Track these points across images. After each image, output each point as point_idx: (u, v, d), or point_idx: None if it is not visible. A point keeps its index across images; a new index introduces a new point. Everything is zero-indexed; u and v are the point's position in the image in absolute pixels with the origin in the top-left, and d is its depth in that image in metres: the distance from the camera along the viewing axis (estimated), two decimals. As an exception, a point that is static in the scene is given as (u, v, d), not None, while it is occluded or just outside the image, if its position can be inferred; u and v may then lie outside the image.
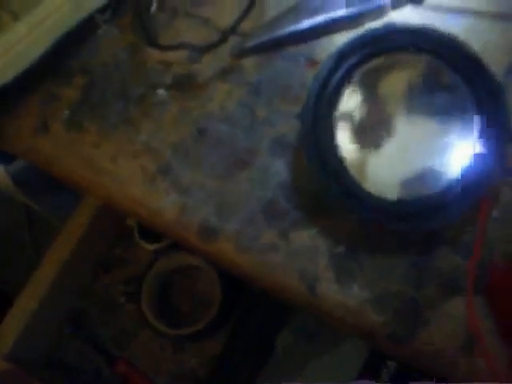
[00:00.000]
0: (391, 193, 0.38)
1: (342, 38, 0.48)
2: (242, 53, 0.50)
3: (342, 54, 0.40)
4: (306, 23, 0.49)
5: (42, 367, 0.83)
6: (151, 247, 0.85)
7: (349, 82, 0.40)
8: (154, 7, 0.54)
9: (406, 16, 0.49)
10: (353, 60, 0.40)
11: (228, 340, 0.79)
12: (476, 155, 0.39)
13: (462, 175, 0.39)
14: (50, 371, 0.84)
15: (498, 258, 0.39)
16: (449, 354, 0.39)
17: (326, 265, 0.44)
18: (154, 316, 0.80)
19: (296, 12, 0.50)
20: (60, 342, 0.86)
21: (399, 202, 0.38)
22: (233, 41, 0.51)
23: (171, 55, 0.52)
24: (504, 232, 0.41)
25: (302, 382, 0.76)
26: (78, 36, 0.53)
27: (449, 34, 0.41)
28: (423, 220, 0.38)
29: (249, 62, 0.51)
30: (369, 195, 0.38)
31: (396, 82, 0.40)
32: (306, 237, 0.44)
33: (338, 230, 0.44)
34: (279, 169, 0.46)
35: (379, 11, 0.49)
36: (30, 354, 0.81)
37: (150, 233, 0.83)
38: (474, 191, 0.39)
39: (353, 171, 0.39)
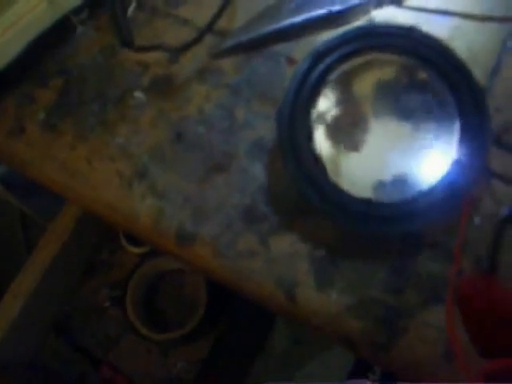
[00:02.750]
0: (367, 194, 0.37)
1: (322, 38, 0.48)
2: (220, 53, 0.50)
3: (319, 54, 0.39)
4: (286, 22, 0.49)
5: (26, 372, 0.82)
6: (137, 251, 0.84)
7: (326, 82, 0.39)
8: (132, 7, 0.53)
9: (388, 16, 0.48)
10: (330, 60, 0.39)
11: (214, 344, 0.78)
12: (456, 160, 0.38)
13: (442, 180, 0.38)
14: (34, 376, 0.83)
15: (470, 267, 0.38)
16: (428, 363, 0.39)
17: (306, 270, 0.43)
18: (139, 320, 0.79)
19: (276, 11, 0.49)
20: (44, 347, 0.85)
21: (374, 205, 0.37)
22: (212, 41, 0.50)
23: (149, 56, 0.51)
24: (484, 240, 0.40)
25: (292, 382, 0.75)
26: (55, 37, 0.52)
27: (430, 35, 0.40)
28: (399, 224, 0.38)
29: (228, 63, 0.50)
30: (344, 197, 0.37)
31: (372, 83, 0.39)
32: (285, 242, 0.44)
33: (318, 234, 0.43)
34: (258, 173, 0.46)
35: (361, 10, 0.48)
36: (13, 358, 0.80)
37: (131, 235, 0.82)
38: (452, 197, 0.38)
39: (329, 173, 0.38)
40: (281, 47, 0.49)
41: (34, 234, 1.05)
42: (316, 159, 0.38)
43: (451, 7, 0.48)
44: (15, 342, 0.80)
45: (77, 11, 0.52)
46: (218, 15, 0.47)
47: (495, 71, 0.45)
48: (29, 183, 0.91)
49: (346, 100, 0.39)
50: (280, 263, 0.43)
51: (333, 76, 0.39)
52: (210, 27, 0.48)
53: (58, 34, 0.52)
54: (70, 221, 0.81)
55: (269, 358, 0.80)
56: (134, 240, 0.83)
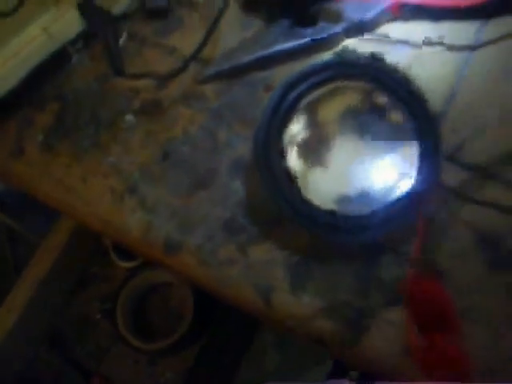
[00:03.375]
0: (333, 207, 0.42)
1: (296, 66, 0.53)
2: (204, 80, 0.54)
3: (291, 84, 0.44)
4: (263, 52, 0.53)
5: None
6: (127, 265, 0.87)
7: (296, 108, 0.43)
8: (123, 38, 0.58)
9: (357, 45, 0.53)
10: (300, 88, 0.43)
11: (199, 353, 0.82)
12: (414, 176, 0.43)
13: (400, 194, 0.43)
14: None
15: (414, 270, 0.43)
16: (389, 358, 0.43)
17: (281, 276, 0.47)
18: (129, 331, 0.83)
19: (254, 42, 0.54)
20: (37, 358, 0.88)
21: (339, 216, 0.42)
22: (196, 69, 0.55)
23: (139, 83, 0.55)
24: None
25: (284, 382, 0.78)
26: (52, 65, 0.56)
27: (390, 64, 0.45)
28: (362, 233, 0.42)
29: (210, 89, 0.54)
30: (313, 210, 0.42)
31: (338, 108, 0.44)
32: (262, 250, 0.48)
33: (291, 243, 0.47)
34: (237, 188, 0.50)
35: (331, 42, 0.53)
36: (5, 371, 0.83)
37: (125, 251, 0.86)
38: (410, 209, 0.42)
39: (300, 188, 0.42)
40: (259, 75, 0.54)
41: (21, 250, 1.08)
42: (288, 176, 0.43)
43: (412, 38, 0.53)
44: (9, 355, 0.83)
45: (73, 42, 0.57)
46: (202, 45, 0.52)
47: (451, 96, 0.50)
48: (18, 200, 0.95)
49: (314, 123, 0.44)
50: (257, 270, 0.47)
51: (303, 102, 0.43)
52: (194, 56, 0.52)
53: (55, 62, 0.57)
54: (63, 237, 0.84)
55: (252, 363, 0.83)
56: (124, 255, 0.87)
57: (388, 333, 0.43)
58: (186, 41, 0.57)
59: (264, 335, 0.83)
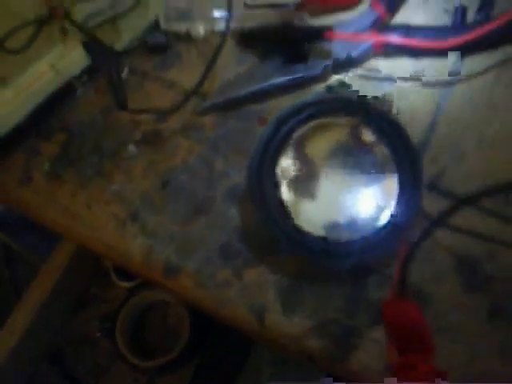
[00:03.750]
0: (323, 233, 0.45)
1: (289, 99, 0.57)
2: (202, 112, 0.58)
3: (282, 119, 0.47)
4: (257, 86, 0.57)
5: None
6: (126, 285, 0.90)
7: (287, 143, 0.47)
8: (125, 72, 0.62)
9: (344, 80, 0.57)
10: (290, 124, 0.47)
11: (196, 371, 0.84)
12: (397, 205, 0.46)
13: (385, 221, 0.46)
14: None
15: (392, 292, 0.46)
16: (374, 373, 0.46)
17: (273, 298, 0.50)
18: (127, 350, 0.85)
19: (249, 77, 0.57)
20: (37, 376, 0.90)
21: (329, 243, 0.45)
22: (195, 101, 0.58)
23: (141, 115, 0.59)
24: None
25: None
26: (58, 98, 0.60)
27: (374, 100, 0.49)
28: (350, 258, 0.45)
29: (208, 121, 0.58)
30: (304, 237, 0.45)
31: (325, 142, 0.47)
32: (256, 273, 0.51)
33: (283, 266, 0.51)
34: (233, 215, 0.53)
35: (320, 78, 0.57)
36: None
37: (125, 271, 0.89)
38: (394, 235, 0.46)
39: (292, 216, 0.46)
40: (253, 108, 0.57)
41: (20, 270, 1.10)
42: (281, 205, 0.46)
43: (394, 73, 0.57)
44: (9, 374, 0.84)
45: (78, 76, 0.60)
46: (202, 80, 0.55)
47: (431, 127, 0.54)
48: (18, 220, 0.97)
49: (304, 156, 0.47)
50: (251, 292, 0.50)
51: (293, 137, 0.47)
52: (195, 92, 0.56)
53: (62, 95, 0.60)
54: (64, 259, 0.87)
55: (248, 381, 0.85)
56: (123, 275, 0.90)
57: (374, 351, 0.47)
58: (184, 75, 0.61)
59: (259, 352, 0.85)
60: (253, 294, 0.51)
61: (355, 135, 0.48)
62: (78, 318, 0.93)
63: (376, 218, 0.46)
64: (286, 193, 0.47)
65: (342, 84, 0.54)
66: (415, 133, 0.51)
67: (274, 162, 0.47)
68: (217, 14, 0.60)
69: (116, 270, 0.91)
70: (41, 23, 0.55)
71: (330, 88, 0.53)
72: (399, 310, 0.39)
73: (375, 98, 0.50)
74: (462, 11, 0.57)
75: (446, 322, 0.46)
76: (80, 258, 0.87)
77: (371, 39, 0.55)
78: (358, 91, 0.49)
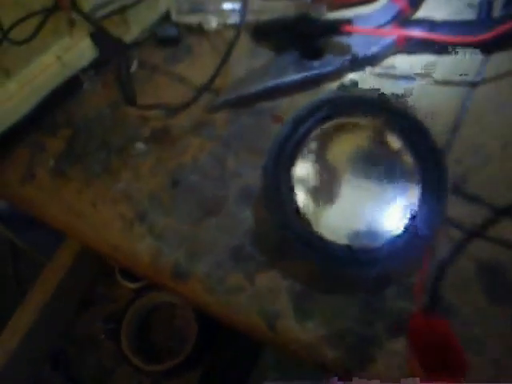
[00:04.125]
0: (343, 241, 0.43)
1: (304, 97, 0.54)
2: (213, 109, 0.55)
3: (298, 119, 0.45)
4: (271, 83, 0.54)
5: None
6: (132, 286, 0.88)
7: (304, 144, 0.44)
8: (134, 66, 0.60)
9: (361, 79, 0.54)
10: (308, 124, 0.44)
11: (202, 375, 0.82)
12: (419, 211, 0.44)
13: (407, 228, 0.43)
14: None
15: (417, 306, 0.43)
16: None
17: (286, 304, 0.48)
18: (132, 352, 0.83)
19: (262, 73, 0.55)
20: (40, 379, 0.88)
21: (350, 250, 0.42)
22: (206, 98, 0.56)
23: (150, 111, 0.57)
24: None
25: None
26: (64, 92, 0.58)
27: (397, 101, 0.46)
28: (370, 266, 0.43)
29: (220, 117, 0.56)
30: (324, 244, 0.42)
31: (344, 145, 0.45)
32: (268, 278, 0.49)
33: (297, 271, 0.48)
34: (245, 216, 0.51)
35: (336, 74, 0.54)
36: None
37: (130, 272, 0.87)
38: (416, 243, 0.43)
39: (311, 222, 0.43)
40: (267, 105, 0.55)
41: (23, 267, 1.09)
42: (297, 211, 0.43)
43: (416, 71, 0.54)
44: (12, 376, 0.83)
45: (85, 69, 0.58)
46: (214, 76, 0.53)
47: (455, 127, 0.51)
48: (22, 217, 0.96)
49: (324, 160, 0.45)
50: (263, 297, 0.48)
51: (311, 138, 0.44)
52: (206, 87, 0.53)
53: (68, 89, 0.58)
54: (68, 258, 0.85)
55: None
56: (129, 275, 0.88)
57: (392, 363, 0.44)
58: (195, 69, 0.59)
59: (265, 357, 0.83)
60: (264, 300, 0.48)
61: (378, 139, 0.45)
62: (81, 318, 0.91)
63: (398, 226, 0.44)
64: (303, 197, 0.44)
65: (355, 84, 0.51)
66: (437, 133, 0.48)
67: (291, 164, 0.44)
68: (230, 6, 0.57)
69: (122, 270, 0.89)
70: (47, 14, 0.53)
71: (343, 87, 0.50)
72: (428, 325, 0.36)
73: (397, 96, 0.48)
74: (487, 5, 0.54)
75: (471, 334, 0.44)
76: (85, 257, 0.85)
77: (392, 34, 0.52)
78: (378, 89, 0.47)
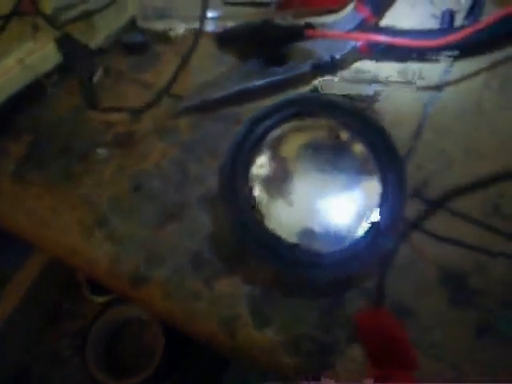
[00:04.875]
0: (296, 240, 0.42)
1: (268, 102, 0.54)
2: (176, 114, 0.55)
3: (256, 120, 0.44)
4: (236, 88, 0.54)
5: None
6: (99, 300, 0.86)
7: (261, 143, 0.44)
8: (100, 72, 0.59)
9: (325, 84, 0.54)
10: (265, 124, 0.44)
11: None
12: (378, 212, 0.43)
13: (365, 230, 0.43)
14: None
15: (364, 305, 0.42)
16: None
17: (245, 310, 0.46)
18: (99, 369, 0.81)
19: (226, 79, 0.55)
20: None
21: (302, 251, 0.42)
22: (169, 103, 0.55)
23: (113, 116, 0.56)
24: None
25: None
26: (27, 97, 0.57)
27: (350, 102, 0.46)
28: (325, 269, 0.42)
29: (182, 123, 0.55)
30: (275, 242, 0.42)
31: (301, 143, 0.44)
32: (227, 284, 0.48)
33: (255, 277, 0.47)
34: (205, 221, 0.50)
35: (300, 80, 0.54)
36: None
37: (99, 285, 0.85)
38: (374, 245, 0.42)
39: (264, 220, 0.43)
40: (231, 110, 0.55)
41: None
42: (252, 208, 0.43)
43: (380, 76, 0.54)
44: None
45: (48, 75, 0.57)
46: (172, 80, 0.52)
47: (417, 133, 0.51)
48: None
49: (278, 158, 0.44)
50: (222, 304, 0.47)
51: (267, 138, 0.44)
52: (166, 91, 0.53)
53: (31, 94, 0.57)
54: (33, 272, 0.83)
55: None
56: (98, 289, 0.86)
57: (352, 369, 0.43)
58: (162, 76, 0.58)
59: (238, 366, 0.81)
60: (223, 306, 0.47)
61: (333, 137, 0.45)
62: (47, 334, 0.88)
63: (355, 225, 0.43)
64: (258, 195, 0.44)
65: (315, 89, 0.51)
66: (400, 138, 0.48)
67: (248, 161, 0.44)
68: (197, 12, 0.57)
69: (90, 283, 0.87)
70: (10, 16, 0.53)
71: (308, 92, 0.50)
72: (375, 321, 0.35)
73: (354, 98, 0.48)
74: (449, 15, 0.55)
75: (431, 339, 0.43)
76: (51, 271, 0.83)
77: (355, 37, 0.52)
78: (335, 93, 0.47)
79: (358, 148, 0.44)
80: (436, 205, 0.41)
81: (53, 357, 0.87)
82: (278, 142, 0.44)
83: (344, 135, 0.44)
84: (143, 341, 0.86)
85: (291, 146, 0.44)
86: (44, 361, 0.87)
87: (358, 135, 0.44)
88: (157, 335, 0.81)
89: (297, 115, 0.44)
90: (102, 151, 0.55)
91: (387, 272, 0.37)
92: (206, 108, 0.55)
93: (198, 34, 0.52)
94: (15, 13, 0.52)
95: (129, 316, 0.86)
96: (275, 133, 0.44)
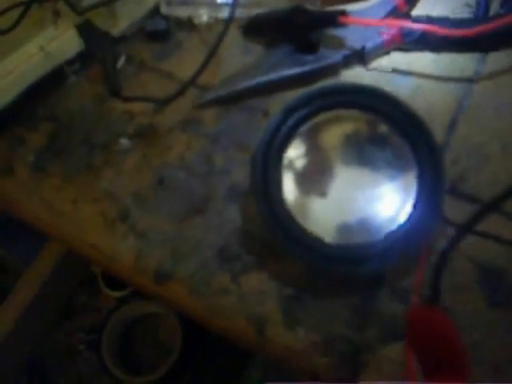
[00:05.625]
0: (332, 236, 0.40)
1: (295, 94, 0.52)
2: (201, 105, 0.53)
3: (290, 109, 0.43)
4: (262, 79, 0.52)
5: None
6: (115, 294, 0.85)
7: (295, 134, 0.42)
8: (122, 61, 0.57)
9: (356, 75, 0.53)
10: (299, 114, 0.42)
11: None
12: (415, 208, 0.41)
13: (401, 226, 0.41)
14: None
15: (416, 300, 0.41)
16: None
17: (274, 308, 0.45)
18: (114, 364, 0.80)
19: (253, 69, 0.53)
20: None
21: (336, 248, 0.40)
22: (194, 94, 0.54)
23: (135, 106, 0.54)
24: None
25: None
26: (48, 84, 0.55)
27: (390, 93, 0.44)
28: (361, 265, 0.40)
29: (208, 114, 0.53)
30: (309, 239, 0.40)
31: (337, 136, 0.43)
32: (256, 281, 0.46)
33: (286, 273, 0.46)
34: (233, 215, 0.48)
35: (331, 70, 0.52)
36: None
37: (114, 280, 0.84)
38: (411, 242, 0.41)
39: (297, 216, 0.41)
40: (257, 101, 0.53)
41: (9, 279, 1.06)
42: (286, 203, 0.41)
43: (412, 69, 0.53)
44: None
45: (70, 62, 0.56)
46: (200, 71, 0.51)
47: (452, 127, 0.49)
48: (7, 227, 0.93)
49: (313, 150, 0.43)
50: (251, 301, 0.45)
51: (302, 129, 0.42)
52: (192, 81, 0.51)
53: (51, 81, 0.55)
54: (48, 265, 0.82)
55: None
56: (113, 284, 0.85)
57: (387, 370, 0.41)
58: (184, 65, 0.57)
59: (254, 366, 0.80)
60: (252, 303, 0.45)
61: (371, 130, 0.43)
62: (62, 328, 0.87)
63: (392, 220, 0.41)
64: (292, 189, 0.42)
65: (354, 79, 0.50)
66: (433, 132, 0.46)
67: (281, 155, 0.42)
68: (222, -1, 0.55)
69: (105, 277, 0.85)
70: (31, 2, 0.51)
71: (341, 82, 0.49)
72: (429, 319, 0.34)
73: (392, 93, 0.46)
74: (484, 4, 0.53)
75: (468, 340, 0.41)
76: (66, 265, 0.82)
77: (390, 24, 0.50)
78: (373, 84, 0.45)
79: (397, 141, 0.42)
80: (491, 207, 0.39)
81: (67, 351, 0.86)
82: (314, 133, 0.43)
83: (383, 128, 0.42)
84: (159, 337, 0.85)
85: (328, 139, 0.43)
86: (58, 356, 0.86)
87: (397, 128, 0.42)
88: (174, 331, 0.79)
89: (332, 106, 0.42)
90: (124, 141, 0.53)
91: (443, 268, 0.35)
92: (232, 99, 0.53)
93: (229, 21, 0.50)
94: (39, -2, 0.51)
95: (144, 311, 0.85)
96: (310, 124, 0.42)
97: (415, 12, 0.55)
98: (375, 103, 0.43)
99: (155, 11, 0.58)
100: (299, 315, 0.44)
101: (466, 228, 0.37)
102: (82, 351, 0.85)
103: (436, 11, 0.54)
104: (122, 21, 0.57)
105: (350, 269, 0.40)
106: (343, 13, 0.49)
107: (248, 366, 0.81)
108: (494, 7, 0.54)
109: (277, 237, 0.41)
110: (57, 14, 0.53)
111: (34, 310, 0.79)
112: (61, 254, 0.81)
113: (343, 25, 0.49)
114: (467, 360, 0.32)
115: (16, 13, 0.51)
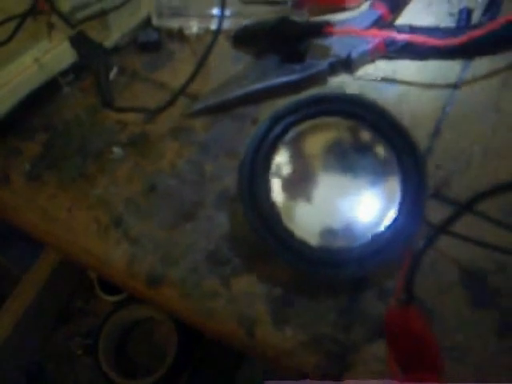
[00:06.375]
0: (317, 240, 0.42)
1: (283, 102, 0.53)
2: (192, 114, 0.55)
3: (277, 117, 0.44)
4: (251, 88, 0.54)
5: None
6: (111, 299, 0.86)
7: (281, 142, 0.44)
8: (114, 71, 0.59)
9: (342, 83, 0.54)
10: (286, 122, 0.44)
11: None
12: (398, 212, 0.43)
13: (385, 229, 0.42)
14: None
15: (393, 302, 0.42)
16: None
17: (263, 309, 0.46)
18: (110, 367, 0.81)
19: (242, 78, 0.55)
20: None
21: (319, 251, 0.41)
22: (185, 103, 0.55)
23: (127, 116, 0.56)
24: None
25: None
26: (42, 95, 0.57)
27: (372, 101, 0.46)
28: (345, 268, 0.42)
29: (199, 122, 0.55)
30: (296, 243, 0.41)
31: (321, 143, 0.44)
32: (245, 283, 0.47)
33: (274, 276, 0.47)
34: (223, 220, 0.50)
35: (318, 78, 0.54)
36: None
37: (110, 285, 0.85)
38: (394, 245, 0.42)
39: (284, 220, 0.42)
40: (246, 109, 0.54)
41: (7, 285, 1.07)
42: (272, 208, 0.43)
43: (397, 76, 0.54)
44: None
45: (64, 73, 0.57)
46: (190, 80, 0.53)
47: (436, 133, 0.51)
48: (4, 235, 0.94)
49: (298, 157, 0.44)
50: (240, 303, 0.47)
51: (288, 136, 0.44)
52: (182, 91, 0.53)
53: (46, 92, 0.57)
54: (45, 271, 0.83)
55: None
56: (109, 288, 0.86)
57: (373, 368, 0.43)
58: (176, 75, 0.58)
59: (250, 367, 0.81)
60: (241, 305, 0.47)
61: (354, 136, 0.45)
62: (59, 333, 0.88)
63: (376, 224, 0.43)
64: (278, 194, 0.43)
65: (340, 86, 0.51)
66: (418, 138, 0.48)
67: (268, 161, 0.43)
68: (212, 11, 0.57)
69: (101, 283, 0.87)
70: (25, 16, 0.52)
71: (326, 90, 0.50)
72: (403, 320, 0.35)
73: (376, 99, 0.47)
74: (466, 13, 0.54)
75: (452, 341, 0.42)
76: (63, 270, 0.83)
77: (374, 35, 0.52)
78: (357, 93, 0.46)
79: (380, 148, 0.43)
80: (465, 207, 0.40)
81: (64, 356, 0.87)
82: (299, 140, 0.44)
83: (366, 135, 0.43)
84: (155, 340, 0.86)
85: (312, 145, 0.44)
86: (56, 360, 0.87)
87: (380, 135, 0.43)
88: (169, 335, 0.80)
89: (318, 114, 0.44)
90: (117, 150, 0.55)
91: (416, 270, 0.37)
92: (222, 107, 0.55)
93: (217, 33, 0.51)
94: (31, 12, 0.52)
95: (140, 315, 0.86)
96: (296, 131, 0.44)
97: (400, 21, 0.57)
98: (358, 110, 0.44)
99: (147, 23, 0.60)
100: (287, 316, 0.46)
101: (440, 229, 0.38)
102: (79, 356, 0.86)
103: (419, 20, 0.56)
104: (114, 32, 0.58)
105: (331, 272, 0.42)
106: (329, 23, 0.51)
107: (244, 368, 0.82)
108: (476, 16, 0.56)
109: (265, 241, 0.42)
110: (51, 27, 0.55)
111: (31, 315, 0.80)
112: (57, 260, 0.82)
113: (329, 35, 0.51)
114: (439, 356, 0.34)
115: (11, 26, 0.53)
